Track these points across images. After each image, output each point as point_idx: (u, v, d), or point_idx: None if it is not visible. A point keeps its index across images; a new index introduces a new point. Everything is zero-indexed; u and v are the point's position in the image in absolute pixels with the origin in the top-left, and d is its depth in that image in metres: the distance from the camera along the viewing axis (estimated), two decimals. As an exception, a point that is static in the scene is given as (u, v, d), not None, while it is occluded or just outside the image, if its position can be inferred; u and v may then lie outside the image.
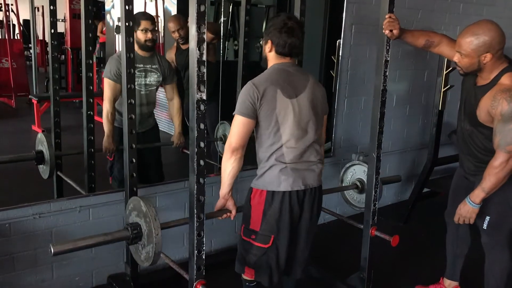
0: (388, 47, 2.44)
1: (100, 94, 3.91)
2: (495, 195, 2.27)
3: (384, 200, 3.89)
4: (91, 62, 2.85)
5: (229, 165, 2.11)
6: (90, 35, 2.82)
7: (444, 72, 3.55)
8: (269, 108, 2.10)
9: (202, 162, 1.86)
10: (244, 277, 2.36)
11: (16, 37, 8.75)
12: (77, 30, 7.38)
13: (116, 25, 6.67)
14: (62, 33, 8.17)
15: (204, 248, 1.98)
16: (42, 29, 9.37)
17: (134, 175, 2.50)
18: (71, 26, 7.68)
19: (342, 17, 3.57)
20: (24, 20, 8.99)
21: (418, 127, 4.42)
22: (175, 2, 5.73)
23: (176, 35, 3.79)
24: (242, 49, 3.41)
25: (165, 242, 2.88)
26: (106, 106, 3.08)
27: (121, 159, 2.73)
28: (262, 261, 2.22)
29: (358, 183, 3.03)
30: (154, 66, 3.18)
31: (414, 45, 2.52)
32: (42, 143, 3.05)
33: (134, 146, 2.47)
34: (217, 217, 2.27)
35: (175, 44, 3.97)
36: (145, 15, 3.12)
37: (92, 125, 2.88)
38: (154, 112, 3.39)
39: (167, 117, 4.91)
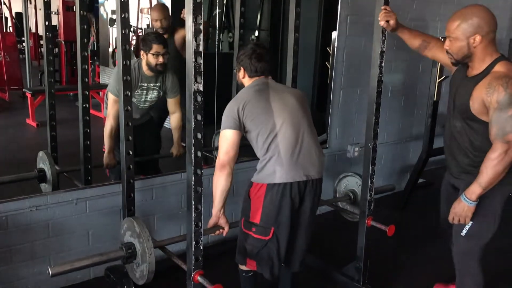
0: (384, 38, 2.44)
1: (95, 87, 3.91)
2: (482, 201, 2.13)
3: (379, 191, 3.92)
4: (86, 54, 2.84)
5: (218, 182, 2.18)
6: (85, 27, 2.81)
7: (439, 63, 3.56)
8: (254, 112, 2.18)
9: (199, 154, 1.86)
10: (242, 268, 2.39)
11: (8, 30, 8.68)
12: (71, 22, 7.35)
13: (110, 18, 6.63)
14: (55, 26, 8.10)
15: (202, 239, 1.98)
16: (34, 22, 9.30)
17: (131, 167, 2.51)
18: (64, 19, 7.61)
19: (337, 8, 3.57)
20: (17, 13, 8.91)
21: (413, 118, 4.44)
22: (169, -6, 5.70)
23: (158, 24, 3.60)
24: (237, 41, 3.41)
25: (162, 234, 2.91)
26: (110, 122, 3.02)
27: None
28: (264, 253, 2.24)
29: (351, 194, 3.12)
30: (157, 84, 3.14)
31: (409, 44, 2.49)
32: (44, 162, 3.06)
33: (130, 138, 2.47)
34: (210, 233, 2.30)
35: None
36: (157, 39, 2.99)
37: (88, 118, 2.87)
38: None
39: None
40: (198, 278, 1.99)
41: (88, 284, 2.80)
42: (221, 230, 2.29)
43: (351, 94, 3.83)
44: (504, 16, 5.00)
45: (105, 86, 3.53)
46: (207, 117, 1.86)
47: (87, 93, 2.88)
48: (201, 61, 1.78)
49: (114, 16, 6.35)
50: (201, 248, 1.98)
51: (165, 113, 3.44)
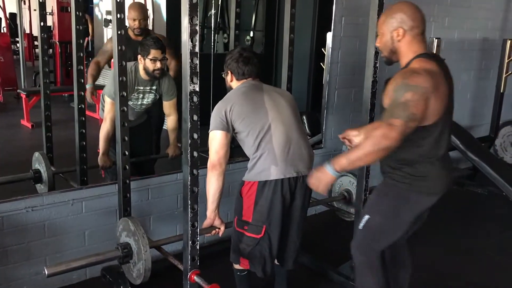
0: (378, 39, 2.46)
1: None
2: (386, 198, 2.10)
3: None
4: (81, 55, 2.84)
5: (210, 183, 2.20)
6: (80, 27, 2.81)
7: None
8: (242, 113, 2.20)
9: (195, 154, 1.87)
10: (236, 267, 2.41)
11: (2, 31, 8.65)
12: (65, 23, 7.32)
13: (105, 18, 6.62)
14: (49, 27, 8.08)
15: (198, 239, 1.99)
16: (29, 23, 9.26)
17: (127, 167, 2.51)
18: (59, 20, 7.58)
19: (332, 9, 3.59)
20: (11, 14, 8.88)
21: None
22: (164, -6, 5.71)
23: (136, 24, 3.44)
24: (233, 42, 3.42)
25: (158, 234, 2.91)
26: (106, 125, 2.99)
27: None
28: (256, 251, 2.26)
29: (346, 194, 3.14)
30: (153, 88, 3.13)
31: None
32: (40, 163, 3.05)
33: (126, 138, 2.48)
34: (205, 234, 2.31)
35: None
36: (156, 44, 2.93)
37: (83, 119, 2.87)
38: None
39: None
40: (195, 277, 2.00)
41: (84, 284, 2.80)
42: (217, 230, 2.31)
43: (346, 95, 3.85)
44: (497, 17, 5.05)
45: (100, 87, 3.52)
46: (202, 117, 1.87)
47: (82, 94, 2.88)
48: (197, 62, 1.79)
49: (109, 17, 6.35)
50: (198, 248, 1.99)
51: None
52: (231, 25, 3.48)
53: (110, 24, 5.14)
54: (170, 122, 3.30)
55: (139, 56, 2.96)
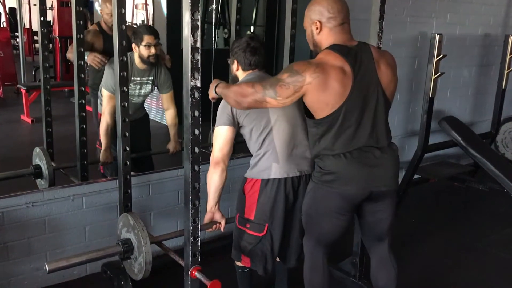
0: (380, 35, 2.45)
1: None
2: (308, 194, 2.13)
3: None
4: (82, 50, 2.83)
5: (212, 179, 2.19)
6: (81, 22, 2.79)
7: (435, 59, 3.57)
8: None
9: (196, 150, 1.86)
10: (238, 264, 2.40)
11: (2, 26, 8.62)
12: (65, 18, 7.30)
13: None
14: (49, 22, 8.05)
15: (199, 235, 1.99)
16: (28, 18, 9.23)
17: (128, 163, 2.50)
18: (59, 14, 7.56)
19: (334, 5, 3.56)
20: (10, 8, 8.85)
21: (408, 114, 4.45)
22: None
23: (111, 20, 3.27)
24: (233, 37, 3.40)
25: (159, 230, 2.91)
26: (106, 119, 3.00)
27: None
28: (257, 249, 2.25)
29: None
30: (150, 78, 3.13)
31: None
32: (40, 158, 3.04)
33: (127, 134, 2.47)
34: (206, 229, 2.30)
35: (95, 27, 3.58)
36: (148, 30, 2.97)
37: (84, 114, 2.86)
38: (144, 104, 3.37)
39: (157, 106, 4.89)
40: (196, 273, 1.99)
41: (85, 280, 2.80)
42: (217, 225, 2.30)
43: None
44: (499, 13, 5.02)
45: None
46: (203, 113, 1.85)
47: (83, 89, 2.87)
48: (199, 57, 1.77)
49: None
50: (199, 244, 1.98)
51: None
52: (232, 20, 3.46)
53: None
54: (169, 116, 3.29)
55: (133, 45, 2.96)
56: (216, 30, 6.01)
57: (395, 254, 2.28)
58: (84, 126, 2.87)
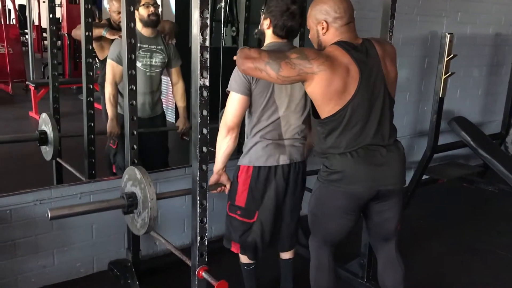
0: (390, 34, 2.43)
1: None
2: (313, 195, 2.12)
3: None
4: (90, 47, 2.82)
5: (224, 144, 2.17)
6: (89, 20, 2.79)
7: (445, 59, 3.53)
8: (263, 86, 2.14)
9: (205, 149, 1.85)
10: (242, 261, 2.42)
11: (12, 23, 8.65)
12: (74, 15, 7.32)
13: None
14: (58, 19, 8.08)
15: (206, 234, 1.97)
16: (37, 15, 9.27)
17: (136, 161, 2.49)
18: (67, 12, 7.58)
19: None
20: (20, 5, 8.88)
21: (418, 114, 4.42)
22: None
23: (119, 18, 3.28)
24: (242, 35, 3.38)
25: (166, 228, 2.90)
26: (108, 89, 3.03)
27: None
28: (247, 235, 2.29)
29: None
30: (159, 47, 3.13)
31: None
32: (46, 124, 3.00)
33: (135, 132, 2.46)
34: (211, 191, 2.27)
35: (106, 23, 3.56)
36: None
37: (92, 111, 2.85)
38: (161, 99, 3.36)
39: (167, 105, 4.88)
40: (203, 274, 1.98)
41: (91, 277, 2.80)
42: (222, 187, 2.31)
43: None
44: (510, 13, 4.96)
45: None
46: (211, 111, 1.84)
47: (91, 86, 2.86)
48: (208, 56, 1.76)
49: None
50: (206, 243, 1.97)
51: None
52: (240, 18, 3.44)
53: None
54: (178, 90, 3.31)
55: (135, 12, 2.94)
56: (224, 28, 6.00)
57: (403, 254, 2.26)
58: (92, 124, 2.86)
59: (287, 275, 2.56)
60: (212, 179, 2.27)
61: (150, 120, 3.21)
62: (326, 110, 1.96)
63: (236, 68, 2.12)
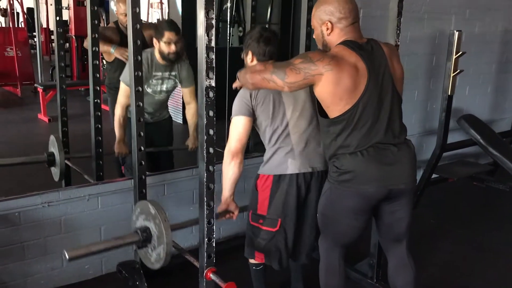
0: (398, 32, 2.40)
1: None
2: (324, 196, 2.10)
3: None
4: (96, 49, 2.83)
5: (229, 170, 2.16)
6: (96, 22, 2.79)
7: (454, 57, 3.50)
8: (265, 100, 2.17)
9: (211, 150, 1.84)
10: (252, 261, 2.40)
11: (20, 26, 8.71)
12: (81, 17, 7.36)
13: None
14: (66, 21, 8.12)
15: (214, 236, 1.97)
16: (46, 17, 9.32)
17: (143, 163, 2.49)
18: (75, 14, 7.63)
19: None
20: (28, 8, 8.94)
21: (426, 112, 4.38)
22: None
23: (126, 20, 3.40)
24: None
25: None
26: (118, 111, 2.99)
27: None
28: (271, 244, 2.26)
29: None
30: (172, 73, 3.09)
31: None
32: (53, 146, 3.06)
33: (142, 134, 2.46)
34: (219, 218, 2.27)
35: (113, 25, 3.65)
36: (169, 26, 2.89)
37: (99, 113, 2.86)
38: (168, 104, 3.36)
39: (172, 103, 4.89)
40: (211, 275, 1.97)
41: (100, 279, 2.81)
42: (231, 214, 2.28)
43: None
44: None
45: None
46: (218, 112, 1.83)
47: (98, 88, 2.87)
48: (213, 56, 1.75)
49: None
50: (214, 245, 1.96)
51: None
52: (247, 18, 3.44)
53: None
54: (190, 111, 3.26)
55: (154, 40, 2.93)
56: (231, 28, 6.00)
57: (412, 254, 2.23)
58: (100, 126, 2.87)
59: (297, 275, 2.55)
60: (220, 208, 2.24)
61: (154, 124, 3.22)
62: (336, 109, 1.94)
63: (234, 100, 2.18)
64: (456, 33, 3.45)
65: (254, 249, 2.30)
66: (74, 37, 7.50)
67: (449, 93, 3.63)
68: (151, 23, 5.95)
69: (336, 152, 2.01)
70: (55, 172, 3.08)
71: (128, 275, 2.62)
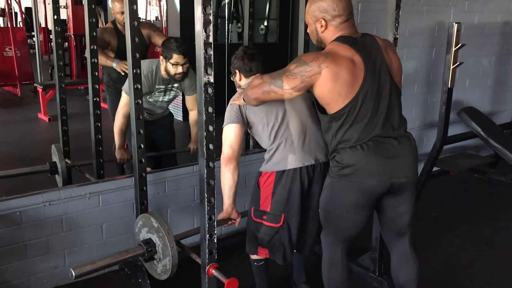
0: (397, 25, 2.39)
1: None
2: (325, 191, 2.09)
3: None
4: (95, 48, 2.82)
5: (225, 177, 2.18)
6: (94, 20, 2.79)
7: (453, 49, 3.49)
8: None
9: (211, 146, 1.84)
10: (253, 257, 2.41)
11: (18, 25, 8.70)
12: (80, 16, 7.33)
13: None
14: (64, 20, 8.11)
15: (215, 232, 1.97)
16: (44, 17, 9.30)
17: (143, 160, 2.50)
18: (73, 13, 7.62)
19: (348, -5, 3.50)
20: (26, 8, 8.93)
21: (427, 105, 4.38)
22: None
23: (123, 18, 3.06)
24: (247, 31, 3.37)
25: (176, 226, 2.89)
26: (119, 119, 2.98)
27: None
28: (275, 240, 2.26)
29: None
30: (175, 85, 3.08)
31: None
32: (55, 155, 3.10)
33: (141, 131, 2.46)
34: (221, 225, 2.29)
35: (110, 25, 3.65)
36: (179, 49, 2.80)
37: (98, 112, 2.86)
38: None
39: (175, 104, 4.88)
40: (213, 271, 1.98)
41: (102, 277, 2.81)
42: (232, 221, 2.30)
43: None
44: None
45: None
46: (217, 108, 1.83)
47: (97, 87, 2.87)
48: (211, 53, 1.75)
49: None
50: (215, 241, 1.97)
51: None
52: (245, 14, 3.42)
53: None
54: (192, 117, 3.26)
55: (161, 57, 2.90)
56: (230, 25, 5.98)
57: (415, 247, 2.23)
58: (99, 124, 2.87)
59: (300, 267, 2.56)
60: (221, 215, 2.25)
61: (154, 121, 3.23)
62: (336, 105, 1.94)
63: (229, 105, 2.22)
64: (455, 25, 3.44)
65: (257, 245, 2.31)
66: (72, 36, 7.49)
67: (449, 86, 3.62)
68: (149, 22, 5.93)
69: (337, 147, 2.01)
70: (59, 180, 3.11)
71: (130, 272, 2.63)
